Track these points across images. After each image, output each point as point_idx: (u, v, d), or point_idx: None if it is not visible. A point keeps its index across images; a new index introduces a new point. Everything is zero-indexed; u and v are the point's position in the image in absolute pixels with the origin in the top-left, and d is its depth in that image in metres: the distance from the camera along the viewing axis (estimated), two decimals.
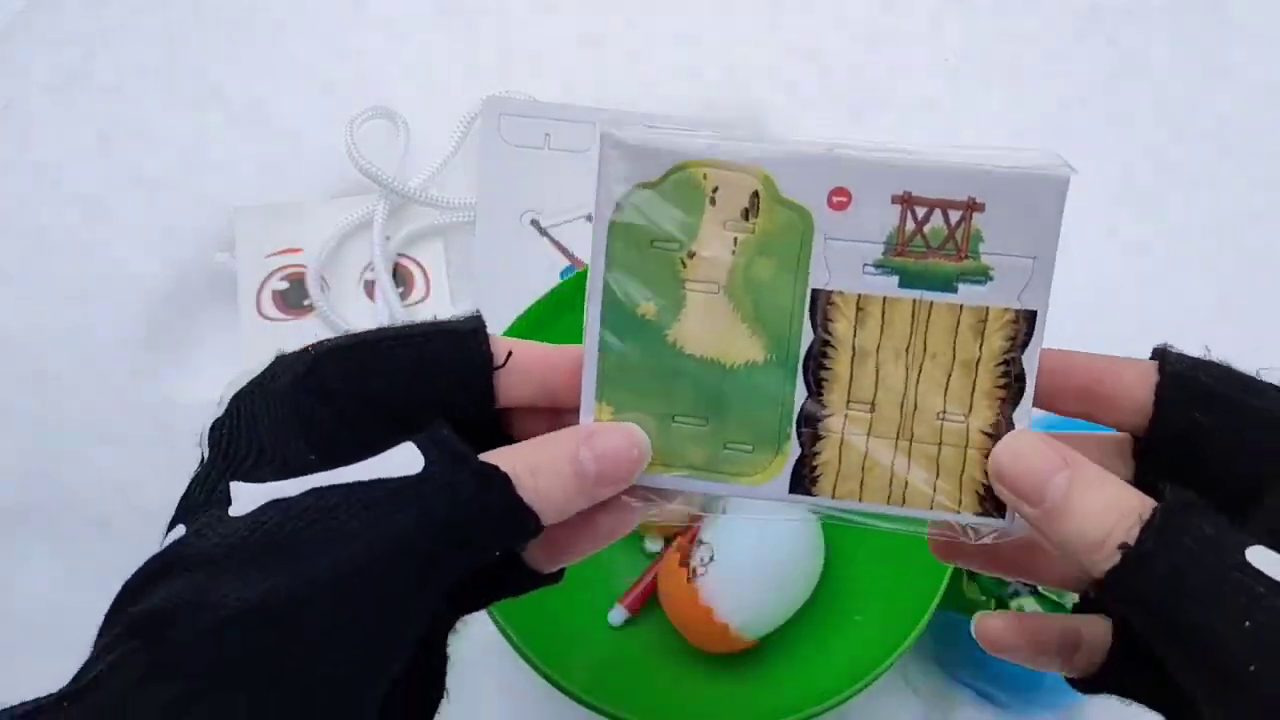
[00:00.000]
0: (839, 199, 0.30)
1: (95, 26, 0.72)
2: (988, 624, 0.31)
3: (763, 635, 0.52)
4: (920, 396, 0.31)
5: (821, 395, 0.31)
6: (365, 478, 0.25)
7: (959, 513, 0.31)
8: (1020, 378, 0.30)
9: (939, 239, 0.30)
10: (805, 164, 0.30)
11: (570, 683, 0.46)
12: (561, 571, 0.31)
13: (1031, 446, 0.27)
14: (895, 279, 0.31)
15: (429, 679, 0.29)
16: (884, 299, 0.30)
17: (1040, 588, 0.50)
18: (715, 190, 0.30)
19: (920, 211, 0.30)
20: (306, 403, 0.27)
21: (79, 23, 0.72)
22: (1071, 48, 0.71)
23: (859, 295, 0.31)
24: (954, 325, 0.31)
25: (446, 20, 0.72)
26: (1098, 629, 0.31)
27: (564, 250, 0.64)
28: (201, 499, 0.27)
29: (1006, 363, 0.30)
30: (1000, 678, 0.52)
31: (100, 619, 0.28)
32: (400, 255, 0.65)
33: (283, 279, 0.64)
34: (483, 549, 0.26)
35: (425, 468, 0.25)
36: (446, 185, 0.66)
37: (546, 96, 0.68)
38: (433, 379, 0.28)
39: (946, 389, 0.31)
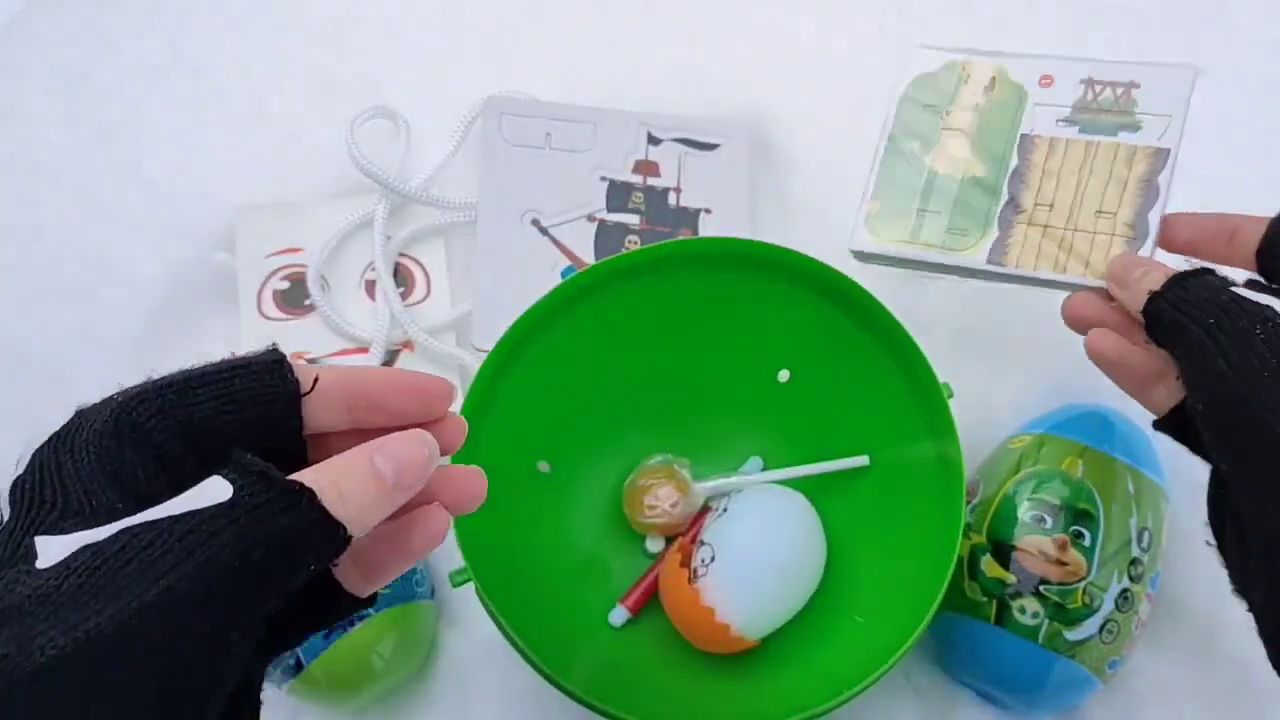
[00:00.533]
0: (1045, 81, 0.52)
1: (96, 26, 0.72)
2: (1097, 338, 0.45)
3: (764, 636, 0.52)
4: (1085, 200, 0.50)
5: (1018, 199, 0.51)
6: (178, 512, 0.25)
7: (1102, 279, 0.47)
8: (1156, 190, 0.48)
9: (1109, 104, 0.51)
10: (1025, 61, 0.53)
11: (571, 683, 0.46)
12: (374, 596, 0.32)
13: (1126, 256, 0.46)
14: (1076, 128, 0.51)
15: None
16: (1066, 140, 0.51)
17: (1041, 587, 0.50)
18: (969, 76, 0.54)
19: (1098, 88, 0.51)
20: (115, 448, 0.28)
21: (79, 22, 0.72)
22: (1072, 47, 0.71)
23: (1051, 138, 0.51)
24: (1113, 156, 0.50)
25: (447, 20, 0.72)
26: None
27: (565, 249, 0.64)
28: (5, 556, 0.26)
29: (1146, 181, 0.49)
30: (1002, 678, 0.52)
31: None
32: (401, 255, 0.65)
33: (283, 279, 0.64)
34: (298, 565, 0.27)
35: (235, 493, 0.26)
36: (447, 185, 0.66)
37: (547, 96, 0.68)
38: (242, 412, 0.29)
39: (1104, 195, 0.49)
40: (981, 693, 0.54)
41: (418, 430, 0.30)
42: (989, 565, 0.51)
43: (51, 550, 0.25)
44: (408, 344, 0.63)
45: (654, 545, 0.57)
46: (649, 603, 0.55)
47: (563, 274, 0.63)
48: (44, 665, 0.22)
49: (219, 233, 0.65)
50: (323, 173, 0.67)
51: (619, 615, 0.54)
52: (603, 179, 0.65)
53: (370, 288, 0.64)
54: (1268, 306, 0.37)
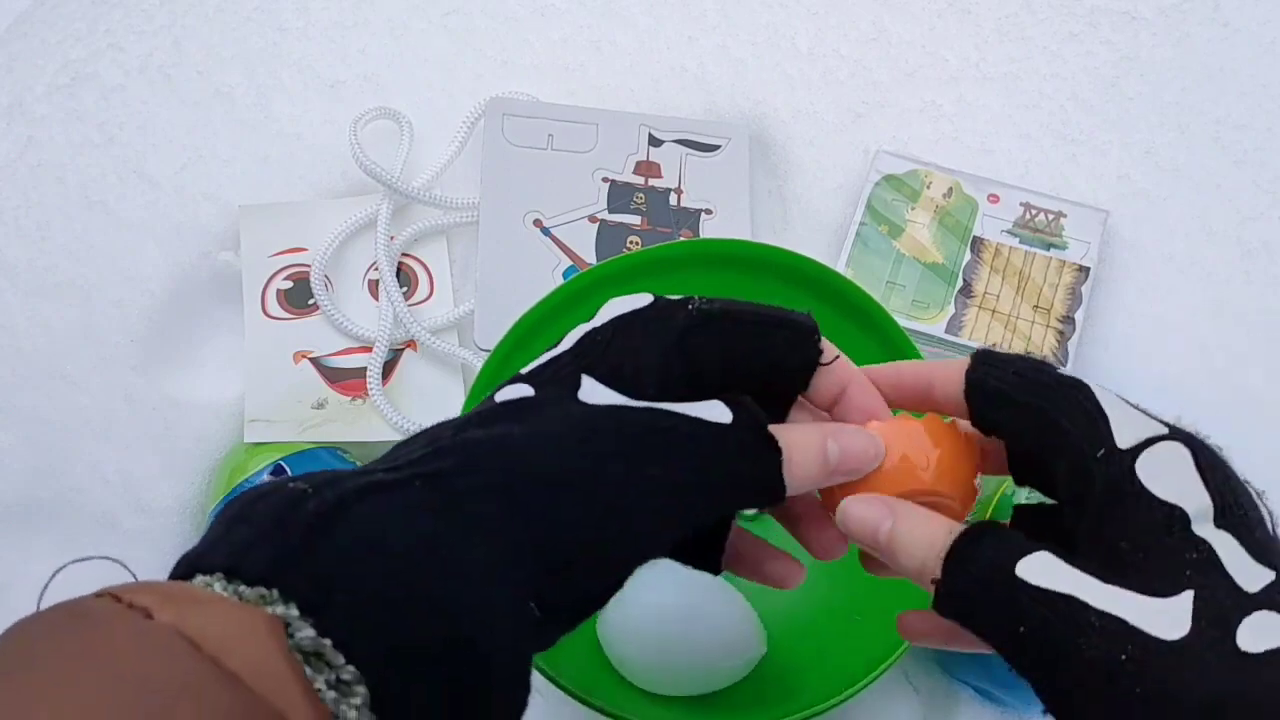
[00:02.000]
0: (993, 199, 0.65)
1: (100, 26, 0.72)
2: (906, 619, 0.36)
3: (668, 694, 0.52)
4: (1025, 296, 0.62)
5: (969, 286, 0.63)
6: (691, 414, 0.31)
7: (1042, 354, 0.60)
8: (1080, 297, 0.62)
9: (1042, 225, 0.64)
10: (977, 181, 0.66)
11: (569, 680, 0.46)
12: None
13: (864, 505, 0.33)
14: (1017, 239, 0.64)
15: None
16: (1010, 248, 0.64)
17: None
18: (930, 184, 0.66)
19: (1034, 212, 0.65)
20: (673, 351, 0.32)
21: (84, 22, 0.72)
22: (1069, 50, 0.71)
23: (997, 244, 0.64)
24: (1046, 266, 0.63)
25: (450, 21, 0.72)
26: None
27: (567, 250, 0.64)
28: (548, 376, 0.32)
29: (1072, 289, 0.63)
30: (1001, 677, 0.52)
31: None
32: (404, 255, 0.65)
33: (287, 278, 0.64)
34: (741, 500, 0.32)
35: (734, 420, 0.31)
36: (450, 185, 0.67)
37: (549, 97, 0.68)
38: (774, 363, 0.33)
39: (1040, 294, 0.63)
40: (980, 691, 0.54)
41: (873, 433, 0.33)
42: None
43: (594, 393, 0.31)
44: (411, 343, 0.63)
45: None
46: None
47: (564, 274, 0.63)
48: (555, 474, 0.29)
49: (223, 232, 0.65)
50: (326, 173, 0.67)
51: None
52: (604, 180, 0.66)
53: (373, 287, 0.65)
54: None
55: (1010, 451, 0.34)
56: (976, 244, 0.64)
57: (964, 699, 0.55)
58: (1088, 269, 0.63)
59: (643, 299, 0.33)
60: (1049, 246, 0.64)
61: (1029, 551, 0.30)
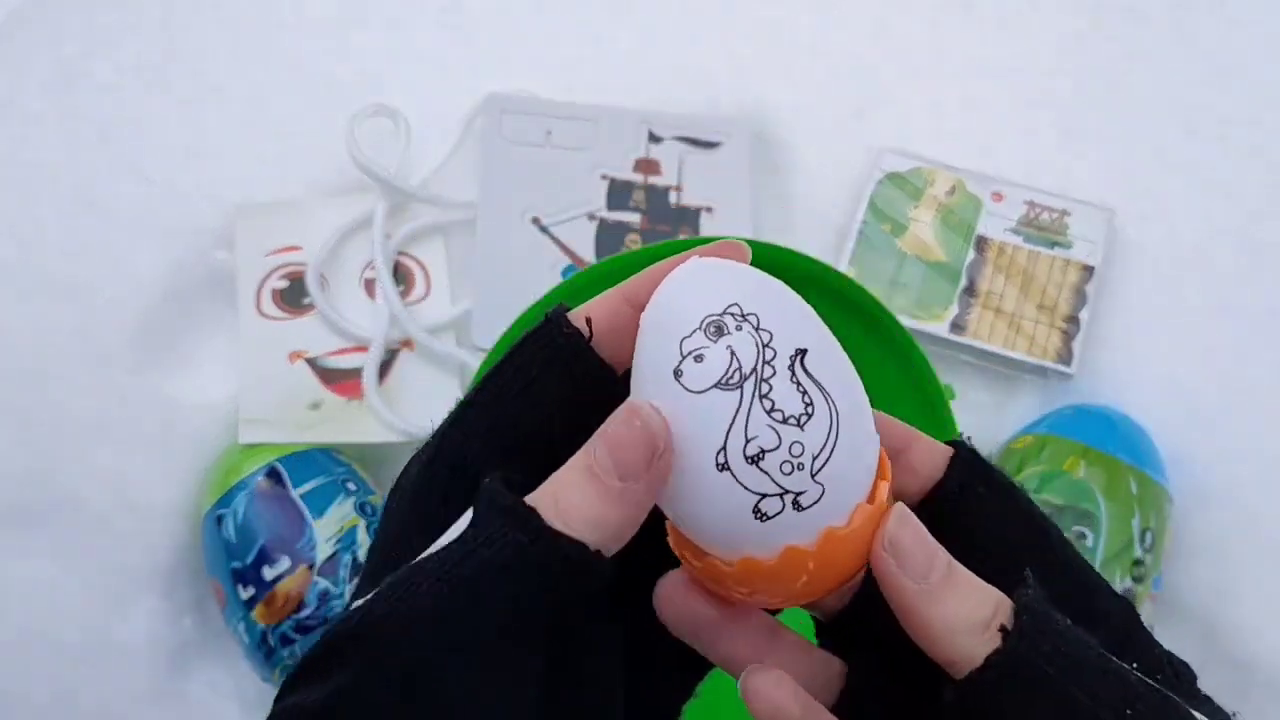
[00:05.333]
0: (996, 197, 0.65)
1: (94, 23, 0.72)
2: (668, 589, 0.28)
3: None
4: (1029, 295, 0.62)
5: (973, 285, 0.62)
6: (432, 551, 0.24)
7: (1043, 359, 0.60)
8: (1085, 296, 0.62)
9: (1047, 224, 0.64)
10: (980, 179, 0.65)
11: None
12: None
13: (918, 541, 0.25)
14: (1021, 238, 0.64)
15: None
16: (1014, 246, 0.64)
17: None
18: (933, 181, 0.65)
19: (1038, 210, 0.65)
20: (426, 490, 0.27)
21: (78, 20, 0.72)
22: (1074, 46, 0.71)
23: (1001, 242, 0.64)
24: (1050, 265, 0.63)
25: (447, 17, 0.72)
26: (831, 668, 0.29)
27: (565, 248, 0.63)
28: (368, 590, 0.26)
29: (1077, 289, 0.62)
30: None
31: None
32: (401, 253, 0.65)
33: (282, 277, 0.64)
34: (527, 592, 0.24)
35: (469, 524, 0.24)
36: (447, 183, 0.66)
37: (548, 94, 0.68)
38: (542, 384, 0.27)
39: (1044, 293, 0.62)
40: None
41: (631, 402, 0.25)
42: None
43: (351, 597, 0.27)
44: (407, 343, 0.63)
45: None
46: None
47: (563, 273, 0.63)
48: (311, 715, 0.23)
49: (218, 231, 0.65)
50: (322, 171, 0.67)
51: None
52: (603, 177, 0.65)
53: (370, 286, 0.64)
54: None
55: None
56: (980, 243, 0.63)
57: None
58: (1093, 268, 0.62)
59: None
60: (1054, 245, 0.63)
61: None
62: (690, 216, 0.65)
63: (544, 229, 0.64)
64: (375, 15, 0.72)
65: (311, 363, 0.62)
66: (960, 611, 0.24)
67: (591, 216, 0.64)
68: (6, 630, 0.55)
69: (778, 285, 0.26)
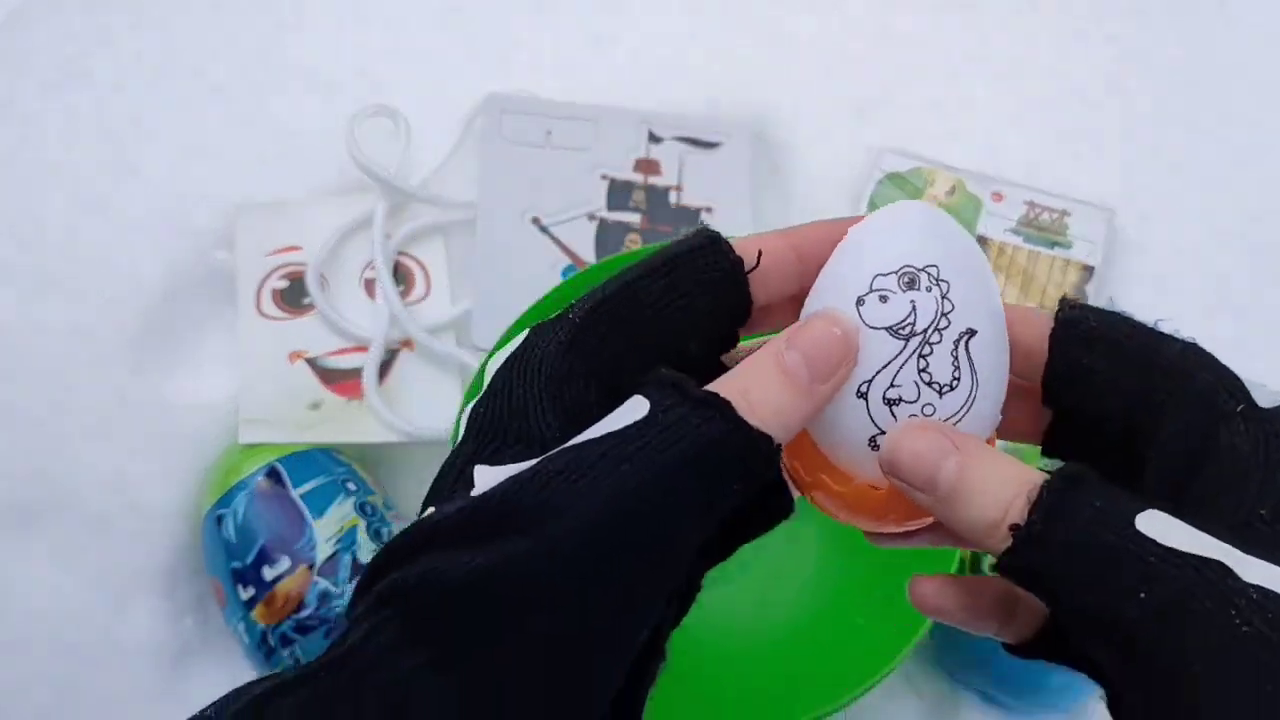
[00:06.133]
0: (996, 197, 0.65)
1: (95, 23, 0.72)
2: (921, 586, 0.30)
3: None
4: (1029, 295, 0.62)
5: None
6: (598, 435, 0.24)
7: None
8: (1085, 296, 0.61)
9: (1046, 224, 0.64)
10: (980, 179, 0.65)
11: None
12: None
13: (918, 435, 0.26)
14: (1021, 238, 0.64)
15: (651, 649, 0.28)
16: (1014, 246, 0.64)
17: None
18: (933, 181, 0.65)
19: (1038, 210, 0.65)
20: (566, 374, 0.27)
21: (78, 19, 0.72)
22: (1074, 46, 0.71)
23: (1001, 242, 0.64)
24: (1050, 265, 0.63)
25: (447, 17, 0.72)
26: None
27: (565, 248, 0.63)
28: (450, 482, 0.26)
29: (1077, 289, 0.62)
30: (1004, 680, 0.52)
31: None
32: (400, 253, 0.65)
33: (282, 277, 0.64)
34: (721, 483, 0.24)
35: (650, 411, 0.24)
36: (447, 183, 0.66)
37: (547, 94, 0.68)
38: (691, 303, 0.28)
39: (1044, 294, 0.62)
40: (983, 694, 0.54)
41: (829, 311, 0.27)
42: (991, 566, 0.51)
43: (485, 481, 0.25)
44: (407, 343, 0.63)
45: None
46: None
47: (563, 273, 0.63)
48: (457, 587, 0.22)
49: (218, 231, 0.65)
50: (322, 171, 0.67)
51: None
52: (603, 177, 0.65)
53: (370, 286, 0.64)
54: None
55: (1070, 412, 0.28)
56: (981, 243, 0.63)
57: (967, 703, 0.55)
58: (1093, 268, 0.62)
59: (520, 340, 0.28)
60: (1054, 245, 0.63)
61: (1146, 506, 0.24)
62: (690, 217, 0.65)
63: (544, 229, 0.64)
64: (375, 15, 0.72)
65: (311, 363, 0.62)
66: (970, 515, 0.26)
67: (592, 216, 0.64)
68: (7, 630, 0.55)
69: (980, 262, 0.29)
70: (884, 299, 0.27)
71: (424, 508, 0.26)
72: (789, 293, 0.29)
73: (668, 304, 0.28)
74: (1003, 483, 0.25)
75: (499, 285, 0.62)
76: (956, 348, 0.27)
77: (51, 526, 0.58)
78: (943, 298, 0.27)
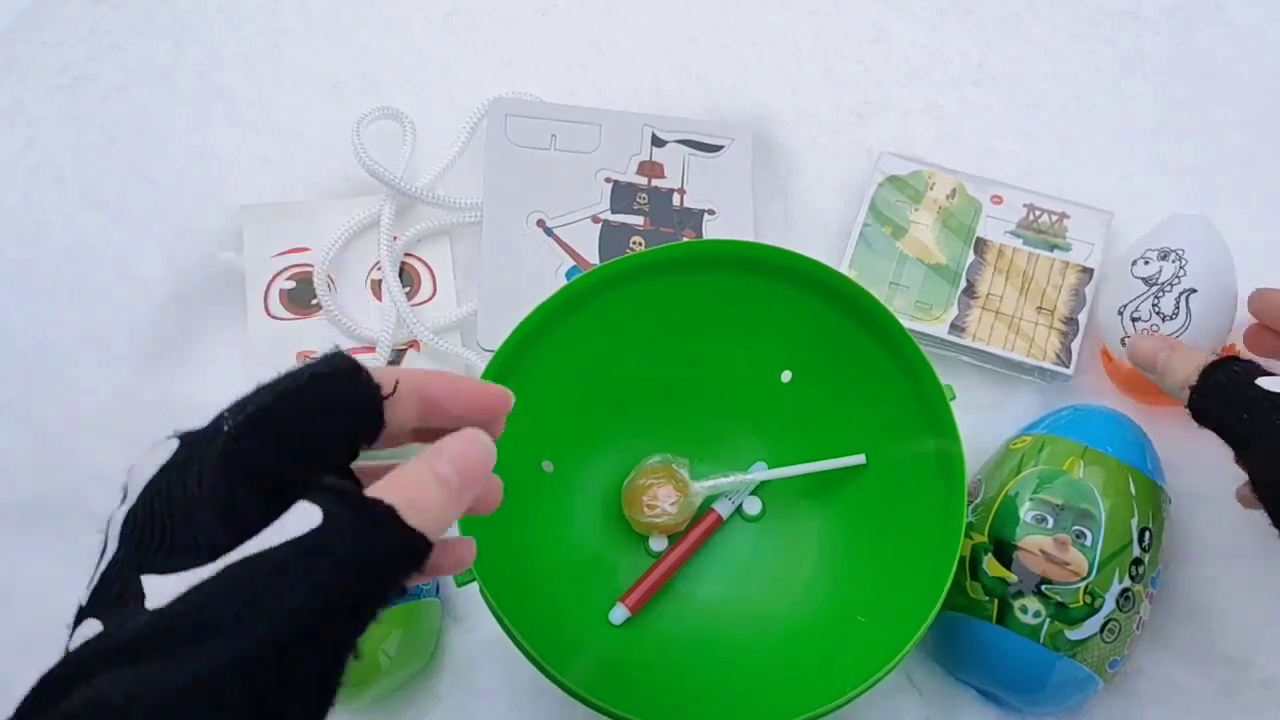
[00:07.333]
0: (996, 200, 0.65)
1: (101, 26, 0.72)
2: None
3: None
4: (1028, 297, 0.62)
5: (973, 287, 0.63)
6: (273, 544, 0.26)
7: (1041, 360, 0.61)
8: (1084, 298, 0.62)
9: (1045, 227, 0.64)
10: (980, 182, 0.66)
11: (572, 681, 0.46)
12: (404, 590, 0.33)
13: (1145, 339, 0.51)
14: (1021, 240, 0.64)
15: None
16: (1013, 249, 0.64)
17: (1042, 587, 0.50)
18: (934, 184, 0.66)
19: (1038, 213, 0.65)
20: (225, 483, 0.28)
21: (85, 23, 0.72)
22: (1072, 49, 0.71)
23: (1000, 245, 0.64)
24: (1049, 267, 0.63)
25: (452, 21, 0.72)
26: None
27: (570, 250, 0.64)
28: (115, 593, 0.27)
29: (1076, 290, 0.62)
30: (1003, 678, 0.52)
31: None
32: (407, 255, 0.65)
33: (290, 278, 0.64)
34: (391, 583, 0.28)
35: (324, 520, 0.27)
36: (453, 185, 0.67)
37: (552, 97, 0.68)
38: (335, 421, 0.30)
39: (1043, 296, 0.62)
40: (983, 692, 0.54)
41: (470, 430, 0.31)
42: (991, 565, 0.52)
43: (158, 592, 0.26)
44: (413, 344, 0.63)
45: (657, 544, 0.57)
46: (650, 601, 0.55)
47: (567, 275, 0.63)
48: (165, 702, 0.23)
49: (225, 233, 0.65)
50: (329, 173, 0.67)
51: (619, 614, 0.55)
52: (607, 180, 0.66)
53: (376, 288, 0.64)
54: None
55: None
56: (980, 245, 0.64)
57: (966, 700, 0.55)
58: (1091, 270, 0.63)
59: (166, 448, 0.30)
60: (1053, 248, 0.64)
61: (1268, 373, 0.44)
62: (693, 219, 0.65)
63: (549, 231, 0.64)
64: (380, 19, 0.72)
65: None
66: (1174, 381, 0.48)
67: (596, 219, 0.65)
68: (13, 629, 0.55)
69: (1220, 253, 0.55)
70: (1146, 262, 0.55)
71: (82, 615, 0.27)
72: (410, 425, 0.33)
73: (317, 419, 0.30)
74: (1187, 364, 0.47)
75: (504, 286, 0.62)
76: (1180, 297, 0.53)
77: (59, 527, 0.59)
78: (1180, 268, 0.53)
